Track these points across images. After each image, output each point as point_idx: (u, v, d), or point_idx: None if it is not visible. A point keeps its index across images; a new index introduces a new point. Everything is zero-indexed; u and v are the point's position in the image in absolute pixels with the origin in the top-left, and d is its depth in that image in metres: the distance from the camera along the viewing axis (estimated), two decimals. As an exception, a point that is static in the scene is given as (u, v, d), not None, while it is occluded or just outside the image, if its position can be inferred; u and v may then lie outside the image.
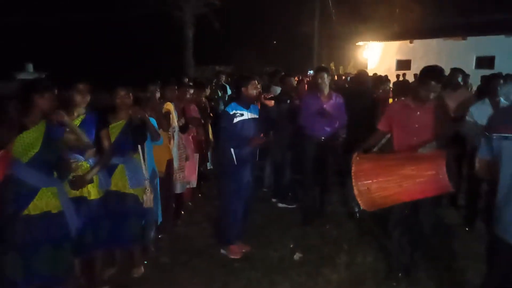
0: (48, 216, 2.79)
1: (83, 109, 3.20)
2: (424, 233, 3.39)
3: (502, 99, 4.37)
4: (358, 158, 3.04)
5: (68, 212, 2.91)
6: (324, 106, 4.66)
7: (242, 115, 3.89)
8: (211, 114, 6.06)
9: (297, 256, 4.05)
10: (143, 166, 3.59)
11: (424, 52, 18.86)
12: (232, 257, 3.99)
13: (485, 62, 16.88)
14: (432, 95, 3.21)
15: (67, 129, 2.93)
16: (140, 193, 3.51)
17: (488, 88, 4.49)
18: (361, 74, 5.95)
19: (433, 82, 3.15)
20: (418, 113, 3.29)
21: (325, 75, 4.73)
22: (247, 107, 3.95)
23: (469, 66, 15.78)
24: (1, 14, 17.75)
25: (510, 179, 2.19)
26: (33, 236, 2.72)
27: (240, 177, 3.94)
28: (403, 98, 3.72)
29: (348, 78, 12.52)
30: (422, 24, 22.05)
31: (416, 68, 18.19)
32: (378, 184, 2.84)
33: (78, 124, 3.11)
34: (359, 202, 2.93)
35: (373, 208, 2.98)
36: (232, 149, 3.85)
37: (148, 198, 3.58)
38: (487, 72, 6.99)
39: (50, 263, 2.78)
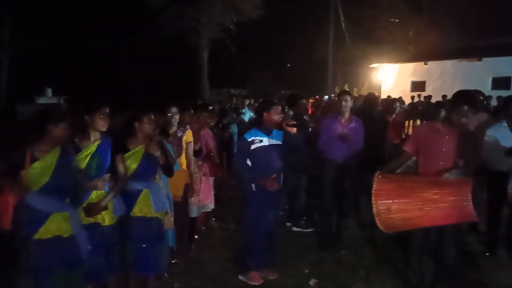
0: (59, 240, 2.81)
1: (99, 134, 3.22)
2: (447, 263, 3.27)
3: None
4: (380, 177, 2.99)
5: (80, 237, 2.91)
6: (345, 130, 4.65)
7: (261, 141, 3.79)
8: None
9: (312, 282, 3.97)
10: (164, 189, 3.61)
11: (439, 74, 18.75)
12: (251, 283, 3.90)
13: (501, 83, 16.70)
14: (464, 120, 3.16)
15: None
16: (163, 217, 3.52)
17: (506, 110, 4.42)
18: (370, 97, 5.98)
19: (466, 107, 3.11)
20: (447, 137, 3.24)
21: (349, 98, 4.71)
22: (268, 133, 3.85)
23: (485, 87, 15.61)
24: (21, 39, 18.37)
25: None
26: (45, 260, 2.74)
27: (260, 204, 3.83)
28: (432, 121, 3.69)
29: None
30: (437, 45, 22.02)
31: (431, 89, 18.06)
32: (398, 205, 2.78)
33: (95, 149, 3.14)
34: (377, 222, 2.86)
35: (391, 230, 2.92)
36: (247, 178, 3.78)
37: (168, 220, 3.58)
38: (503, 93, 6.91)
39: (62, 286, 2.78)
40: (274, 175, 3.82)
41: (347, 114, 4.72)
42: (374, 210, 2.85)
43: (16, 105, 18.90)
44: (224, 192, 6.60)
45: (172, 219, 3.64)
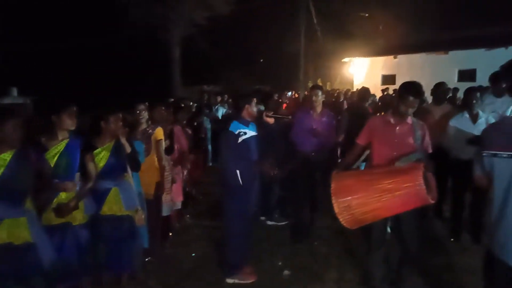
0: (10, 248, 2.63)
1: (67, 133, 3.19)
2: (409, 248, 3.38)
3: (480, 112, 4.48)
4: (337, 175, 3.06)
5: (40, 245, 2.76)
6: (315, 125, 4.73)
7: (245, 133, 3.82)
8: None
9: (286, 274, 4.04)
10: (134, 187, 3.60)
11: (408, 67, 19.21)
12: (247, 282, 3.85)
13: (467, 75, 17.21)
14: (410, 110, 3.27)
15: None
16: (134, 214, 3.51)
17: (466, 101, 4.61)
18: (362, 91, 6.12)
19: (411, 98, 3.21)
20: (398, 128, 3.34)
21: (319, 93, 4.80)
22: (247, 125, 3.87)
23: (452, 79, 16.08)
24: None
25: (502, 195, 2.21)
26: None
27: (247, 198, 3.82)
28: (383, 113, 3.79)
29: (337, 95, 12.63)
30: (406, 39, 22.50)
31: (401, 82, 18.40)
32: (358, 200, 2.84)
33: (63, 148, 3.10)
34: (340, 220, 2.91)
35: (355, 226, 2.97)
36: (238, 170, 3.72)
37: (139, 218, 3.58)
38: (469, 84, 7.15)
39: None
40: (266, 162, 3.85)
41: (318, 108, 4.81)
42: (336, 209, 2.88)
43: (-21, 105, 18.27)
44: (199, 189, 6.61)
45: (143, 216, 3.63)
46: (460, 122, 4.50)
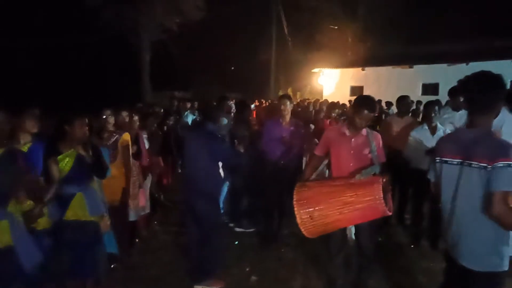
0: None
1: (30, 137, 3.12)
2: (366, 253, 3.53)
3: (438, 124, 4.72)
4: (299, 186, 3.15)
5: (22, 248, 2.75)
6: (284, 133, 4.85)
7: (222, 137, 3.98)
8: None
9: (253, 279, 4.09)
10: (99, 193, 3.56)
11: (375, 79, 19.84)
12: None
13: (430, 88, 17.95)
14: (365, 123, 3.41)
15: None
16: (99, 220, 3.47)
17: (426, 114, 4.84)
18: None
19: (366, 111, 3.33)
20: (353, 140, 3.46)
21: (288, 103, 4.93)
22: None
23: (416, 93, 16.75)
24: None
25: (450, 201, 2.37)
26: None
27: (218, 203, 4.02)
28: (339, 125, 3.94)
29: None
30: (373, 52, 23.25)
31: (368, 94, 18.90)
32: (319, 211, 2.94)
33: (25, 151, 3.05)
34: (302, 230, 3.01)
35: (315, 235, 3.08)
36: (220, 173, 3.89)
37: (105, 224, 3.54)
38: (432, 98, 7.52)
39: None
40: None
41: (287, 117, 4.93)
42: (298, 219, 2.97)
43: None
44: (167, 196, 6.57)
45: (108, 223, 3.59)
46: (420, 134, 4.72)
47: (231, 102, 6.61)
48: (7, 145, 2.79)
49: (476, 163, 2.20)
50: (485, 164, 2.15)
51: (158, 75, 19.78)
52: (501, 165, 2.09)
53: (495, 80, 2.28)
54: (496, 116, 2.34)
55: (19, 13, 19.49)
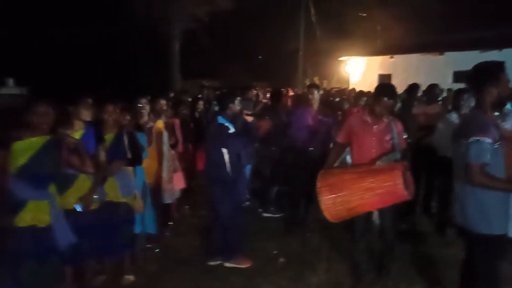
0: (34, 230, 2.83)
1: (82, 124, 3.38)
2: (388, 239, 3.63)
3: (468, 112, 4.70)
4: (322, 174, 3.29)
5: (59, 227, 2.95)
6: (312, 122, 4.95)
7: (229, 128, 4.05)
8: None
9: (280, 261, 4.27)
10: (132, 174, 3.78)
11: (404, 67, 19.39)
12: (243, 266, 4.11)
13: (462, 76, 17.44)
14: (385, 111, 3.48)
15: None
16: (131, 201, 3.69)
17: (455, 102, 4.83)
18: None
19: (385, 99, 3.43)
20: (375, 127, 3.53)
21: (315, 92, 5.04)
22: (231, 122, 4.11)
23: (447, 80, 16.32)
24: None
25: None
26: (19, 249, 2.77)
27: (235, 188, 4.12)
28: (361, 113, 4.01)
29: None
30: (403, 40, 22.72)
31: (397, 82, 18.60)
32: (342, 197, 3.09)
33: (79, 137, 3.29)
34: (326, 215, 3.18)
35: (339, 220, 3.24)
36: (228, 161, 4.00)
37: (138, 205, 3.77)
38: (464, 85, 7.39)
39: (36, 276, 2.81)
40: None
41: (315, 106, 5.04)
42: (321, 205, 3.14)
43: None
44: (197, 181, 6.78)
45: (141, 204, 3.81)
46: (448, 122, 4.72)
47: (254, 92, 6.80)
48: (56, 133, 3.04)
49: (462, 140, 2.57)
50: (465, 141, 2.53)
51: (187, 64, 20.05)
52: (471, 140, 2.47)
53: (483, 67, 2.61)
54: (492, 99, 2.57)
55: (50, 4, 19.99)
